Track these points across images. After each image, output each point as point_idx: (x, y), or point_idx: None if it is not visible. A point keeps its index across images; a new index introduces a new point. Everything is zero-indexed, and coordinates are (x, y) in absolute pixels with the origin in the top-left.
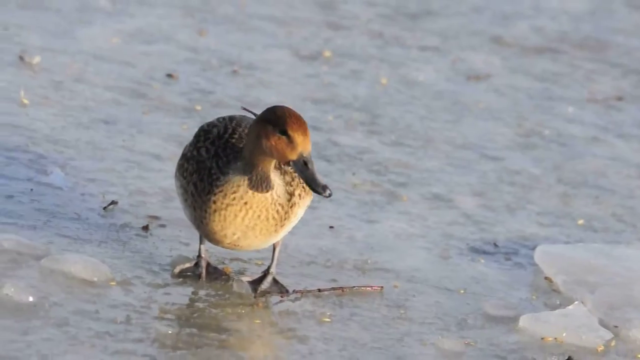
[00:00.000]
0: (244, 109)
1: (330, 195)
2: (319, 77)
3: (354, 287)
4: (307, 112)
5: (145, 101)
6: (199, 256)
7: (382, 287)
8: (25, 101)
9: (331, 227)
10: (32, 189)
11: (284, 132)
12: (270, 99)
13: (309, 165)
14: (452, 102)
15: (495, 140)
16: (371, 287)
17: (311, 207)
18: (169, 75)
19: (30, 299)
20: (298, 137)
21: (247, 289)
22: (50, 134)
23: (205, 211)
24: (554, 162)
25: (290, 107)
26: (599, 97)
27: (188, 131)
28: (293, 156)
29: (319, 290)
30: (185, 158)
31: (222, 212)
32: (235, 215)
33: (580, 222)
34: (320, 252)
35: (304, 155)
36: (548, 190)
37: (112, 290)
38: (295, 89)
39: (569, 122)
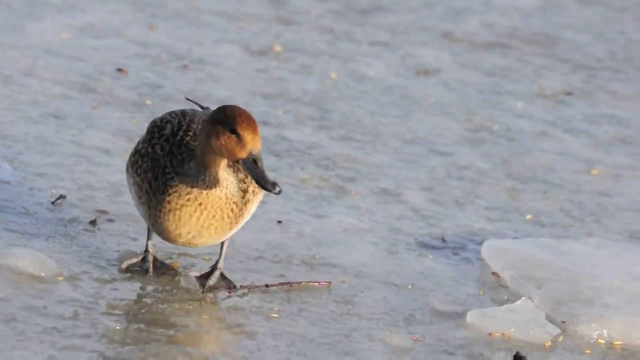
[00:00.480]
0: (188, 99)
1: (279, 192)
2: (269, 72)
3: (301, 282)
4: (256, 107)
5: (94, 96)
6: (146, 251)
7: (329, 282)
8: None
9: (279, 221)
10: None
11: (234, 131)
12: (220, 94)
13: (259, 164)
14: (401, 97)
15: (444, 135)
16: (319, 282)
17: (260, 202)
18: (119, 70)
19: None
20: (247, 136)
21: (194, 285)
22: None
23: (160, 211)
24: (502, 157)
25: (240, 104)
26: (548, 92)
27: (137, 126)
28: (243, 155)
29: (267, 285)
30: (139, 154)
31: (177, 213)
32: (190, 216)
33: (529, 217)
34: (268, 246)
35: (254, 153)
36: (496, 185)
37: (60, 286)
38: (245, 83)
39: (518, 117)
